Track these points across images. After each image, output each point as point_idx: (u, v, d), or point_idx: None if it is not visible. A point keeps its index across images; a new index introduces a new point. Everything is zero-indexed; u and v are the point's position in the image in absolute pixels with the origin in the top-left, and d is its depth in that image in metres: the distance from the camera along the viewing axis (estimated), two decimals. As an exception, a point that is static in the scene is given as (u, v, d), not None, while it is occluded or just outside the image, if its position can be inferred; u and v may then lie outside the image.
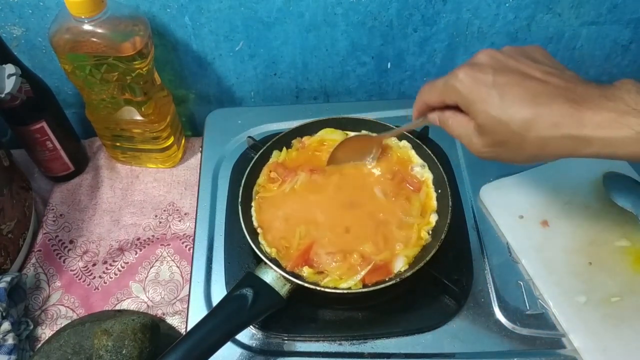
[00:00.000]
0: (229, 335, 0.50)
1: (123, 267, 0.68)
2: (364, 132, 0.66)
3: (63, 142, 0.72)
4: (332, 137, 0.66)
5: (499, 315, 0.56)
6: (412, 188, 0.61)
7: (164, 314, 0.64)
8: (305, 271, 0.54)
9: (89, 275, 0.68)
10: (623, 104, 0.39)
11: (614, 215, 0.61)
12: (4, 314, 0.58)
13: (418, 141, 0.64)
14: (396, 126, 0.65)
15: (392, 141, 0.65)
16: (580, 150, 0.41)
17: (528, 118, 0.41)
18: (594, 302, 0.55)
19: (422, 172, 0.63)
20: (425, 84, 0.50)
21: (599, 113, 0.39)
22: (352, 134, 0.67)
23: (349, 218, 0.59)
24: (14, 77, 0.59)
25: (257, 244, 0.57)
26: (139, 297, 0.66)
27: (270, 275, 0.53)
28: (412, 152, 0.64)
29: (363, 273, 0.54)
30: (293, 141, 0.66)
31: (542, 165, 0.66)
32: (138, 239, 0.71)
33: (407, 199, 0.60)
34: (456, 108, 0.47)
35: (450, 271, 0.57)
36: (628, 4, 0.70)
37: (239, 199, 0.59)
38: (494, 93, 0.42)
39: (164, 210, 0.74)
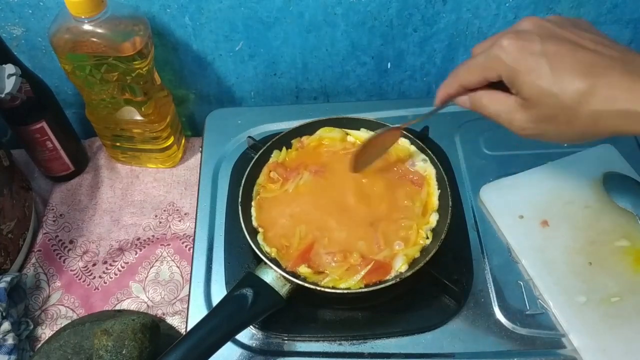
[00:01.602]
0: (229, 335, 0.50)
1: (123, 267, 0.68)
2: (362, 130, 0.66)
3: (63, 142, 0.72)
4: (330, 135, 0.66)
5: (499, 315, 0.56)
6: (414, 185, 0.61)
7: (164, 314, 0.64)
8: (305, 271, 0.54)
9: (89, 275, 0.68)
10: None
11: (614, 215, 0.61)
12: (4, 314, 0.58)
13: (418, 141, 0.64)
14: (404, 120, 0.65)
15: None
16: (635, 127, 0.37)
17: (582, 90, 0.38)
18: (594, 302, 0.55)
19: (424, 166, 0.62)
20: (457, 66, 0.46)
21: None
22: (351, 132, 0.66)
23: (349, 218, 0.59)
24: (14, 77, 0.59)
25: (257, 244, 0.57)
26: (139, 297, 0.66)
27: (270, 275, 0.53)
28: (413, 148, 0.64)
29: (363, 273, 0.54)
30: (293, 141, 0.66)
31: (542, 165, 0.66)
32: (138, 239, 0.71)
33: (409, 198, 0.60)
34: (492, 86, 0.43)
35: (450, 271, 0.57)
36: (628, 4, 0.70)
37: (239, 199, 0.59)
38: (543, 62, 0.39)
39: (164, 210, 0.74)
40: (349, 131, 0.67)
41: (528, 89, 0.40)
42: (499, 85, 0.43)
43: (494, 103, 0.44)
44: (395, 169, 0.63)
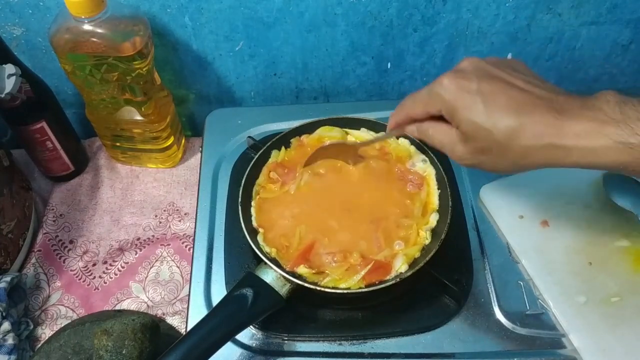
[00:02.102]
0: (229, 335, 0.50)
1: (123, 267, 0.68)
2: (363, 130, 0.66)
3: (63, 142, 0.72)
4: (330, 134, 0.66)
5: (499, 315, 0.56)
6: (413, 186, 0.61)
7: (164, 314, 0.64)
8: (305, 271, 0.54)
9: (89, 275, 0.68)
10: (602, 114, 0.40)
11: (614, 215, 0.61)
12: (4, 314, 0.58)
13: (418, 141, 0.64)
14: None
15: (391, 140, 0.65)
16: (561, 160, 0.41)
17: (512, 127, 0.41)
18: (594, 302, 0.55)
19: (424, 167, 0.62)
20: (406, 97, 0.50)
21: (579, 122, 0.40)
22: (351, 131, 0.67)
23: (349, 218, 0.59)
24: (14, 77, 0.59)
25: (257, 244, 0.57)
26: (139, 297, 0.66)
27: (270, 275, 0.53)
28: (413, 148, 0.64)
29: (363, 273, 0.54)
30: (292, 140, 0.66)
31: (542, 165, 0.66)
32: (138, 239, 0.71)
33: (409, 198, 0.60)
34: (437, 118, 0.47)
35: (450, 271, 0.57)
36: (628, 4, 0.70)
37: (239, 199, 0.59)
38: (478, 100, 0.43)
39: (164, 210, 0.74)
40: (349, 131, 0.67)
41: (465, 124, 0.44)
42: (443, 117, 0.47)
43: (438, 134, 0.48)
44: (396, 169, 0.63)
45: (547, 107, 0.41)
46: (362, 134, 0.66)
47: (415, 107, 0.49)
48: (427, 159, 0.63)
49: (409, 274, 0.53)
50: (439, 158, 0.62)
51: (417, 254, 0.56)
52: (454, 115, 0.44)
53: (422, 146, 0.63)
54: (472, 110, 0.43)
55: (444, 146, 0.47)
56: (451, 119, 0.45)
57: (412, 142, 0.64)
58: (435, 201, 0.60)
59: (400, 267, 0.54)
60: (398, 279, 0.53)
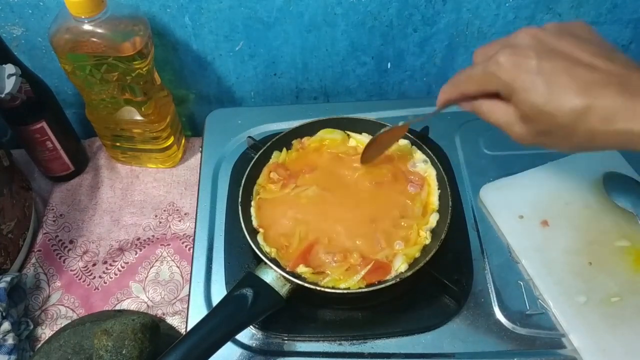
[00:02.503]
0: (229, 335, 0.50)
1: (123, 267, 0.68)
2: (364, 134, 0.66)
3: (63, 142, 0.72)
4: (331, 136, 0.66)
5: (499, 315, 0.56)
6: (414, 186, 0.61)
7: (164, 314, 0.64)
8: (305, 271, 0.54)
9: (89, 275, 0.68)
10: None
11: (614, 215, 0.61)
12: (4, 314, 0.58)
13: (418, 141, 0.64)
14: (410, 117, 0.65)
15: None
16: (634, 144, 0.37)
17: (578, 110, 0.38)
18: (594, 302, 0.55)
19: (424, 167, 0.62)
20: (459, 72, 0.46)
21: None
22: (353, 134, 0.67)
23: (349, 218, 0.59)
24: (14, 77, 0.59)
25: (257, 244, 0.57)
26: (139, 297, 0.66)
27: (270, 275, 0.53)
28: (414, 148, 0.64)
29: (363, 273, 0.54)
30: (293, 142, 0.66)
31: (542, 165, 0.66)
32: (138, 239, 0.71)
33: (409, 198, 0.60)
34: (493, 95, 0.44)
35: (450, 271, 0.57)
36: (628, 4, 0.70)
37: (239, 199, 0.59)
38: (539, 81, 0.39)
39: (164, 210, 0.74)
40: (351, 134, 0.67)
41: (525, 106, 0.40)
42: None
43: (494, 112, 0.44)
44: (396, 169, 0.63)
45: (617, 86, 0.37)
46: (364, 138, 0.66)
47: (469, 85, 0.45)
48: (427, 159, 0.63)
49: (409, 274, 0.53)
50: (439, 158, 0.62)
51: (417, 254, 0.56)
52: (513, 97, 0.41)
53: (423, 146, 0.63)
54: (533, 91, 0.39)
55: (500, 125, 0.44)
56: (509, 100, 0.42)
57: (413, 143, 0.64)
58: (435, 201, 0.60)
59: (399, 267, 0.54)
60: (398, 279, 0.53)
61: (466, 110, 0.47)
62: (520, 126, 0.42)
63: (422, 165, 0.63)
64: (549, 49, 0.40)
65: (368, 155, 0.62)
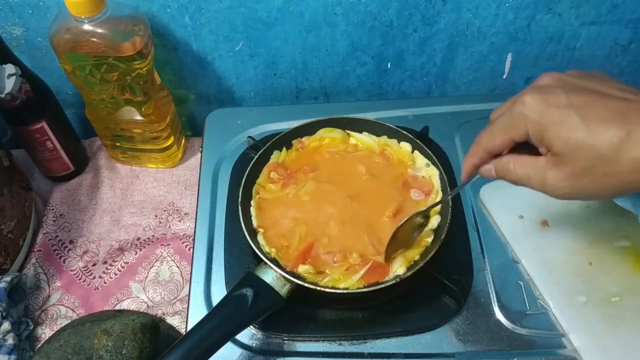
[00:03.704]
0: (229, 335, 0.50)
1: (123, 267, 0.68)
2: (365, 134, 0.66)
3: (63, 142, 0.72)
4: (331, 135, 0.66)
5: (499, 315, 0.56)
6: (418, 193, 0.61)
7: (164, 314, 0.64)
8: (305, 271, 0.54)
9: (89, 275, 0.68)
10: None
11: (614, 216, 0.61)
12: (4, 314, 0.58)
13: (418, 141, 0.64)
14: (397, 126, 0.65)
15: (393, 142, 0.65)
16: None
17: (619, 137, 0.36)
18: (594, 302, 0.55)
19: (427, 170, 0.62)
20: (481, 131, 0.44)
21: None
22: (353, 134, 0.67)
23: (350, 219, 0.59)
24: (14, 77, 0.59)
25: (257, 243, 0.57)
26: (139, 297, 0.66)
27: (270, 275, 0.53)
28: (416, 153, 0.64)
29: (362, 272, 0.54)
30: (293, 141, 0.66)
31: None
32: (138, 239, 0.71)
33: (414, 203, 0.60)
34: (518, 151, 0.42)
35: (450, 271, 0.57)
36: (628, 4, 0.70)
37: (239, 199, 0.59)
38: (572, 113, 0.37)
39: (164, 210, 0.74)
40: (351, 133, 0.67)
41: (559, 143, 0.38)
42: (524, 148, 0.42)
43: (522, 167, 0.42)
44: (399, 174, 0.62)
45: None
46: (364, 137, 0.66)
47: (495, 138, 0.42)
48: (429, 162, 0.62)
49: (408, 274, 0.53)
50: (439, 158, 0.62)
51: (417, 257, 0.56)
52: (545, 135, 0.38)
53: (423, 147, 0.63)
54: (566, 125, 0.37)
55: (530, 178, 0.41)
56: (540, 142, 0.39)
57: (415, 146, 0.64)
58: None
59: (398, 269, 0.54)
60: (398, 279, 0.53)
61: (491, 177, 0.45)
62: (555, 172, 0.39)
63: (424, 168, 0.63)
64: (576, 86, 0.39)
65: (390, 250, 0.55)
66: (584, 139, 0.37)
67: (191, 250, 0.63)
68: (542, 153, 0.40)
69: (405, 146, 0.65)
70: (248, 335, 0.56)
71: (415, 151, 0.64)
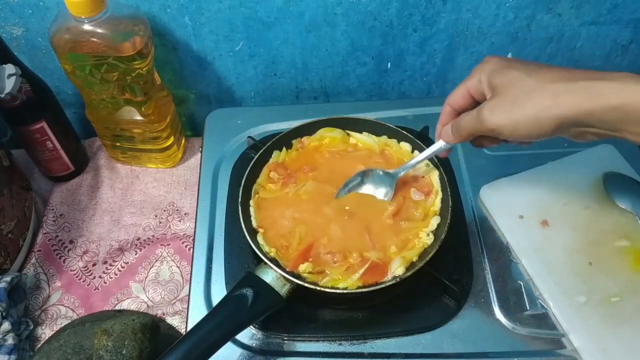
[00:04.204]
0: (229, 335, 0.50)
1: (123, 267, 0.68)
2: (365, 133, 0.66)
3: (63, 142, 0.72)
4: (331, 135, 0.66)
5: (499, 315, 0.56)
6: (418, 194, 0.61)
7: (164, 314, 0.64)
8: (305, 271, 0.54)
9: (89, 275, 0.68)
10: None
11: (614, 216, 0.61)
12: (4, 314, 0.58)
13: (418, 141, 0.64)
14: (397, 126, 0.65)
15: (393, 142, 0.65)
16: (593, 102, 0.40)
17: (546, 72, 0.43)
18: (594, 302, 0.55)
19: (427, 170, 0.62)
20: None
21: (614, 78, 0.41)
22: (353, 134, 0.67)
23: (349, 219, 0.59)
24: (14, 77, 0.59)
25: (257, 243, 0.57)
26: (139, 297, 0.66)
27: (270, 275, 0.53)
28: (416, 153, 0.64)
29: (361, 272, 0.54)
30: (293, 141, 0.66)
31: (542, 165, 0.66)
32: (138, 239, 0.71)
33: (413, 203, 0.60)
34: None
35: (450, 271, 0.57)
36: (628, 4, 0.70)
37: (239, 199, 0.59)
38: (518, 64, 0.45)
39: (164, 210, 0.74)
40: (351, 133, 0.67)
41: (500, 77, 0.45)
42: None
43: (468, 115, 0.48)
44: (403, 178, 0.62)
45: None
46: (364, 137, 0.66)
47: (455, 91, 0.50)
48: (429, 162, 0.62)
49: (408, 274, 0.53)
50: (440, 159, 0.62)
51: (415, 258, 0.56)
52: (491, 78, 0.46)
53: (424, 147, 0.63)
54: (511, 66, 0.45)
55: (472, 118, 0.47)
56: (487, 85, 0.46)
57: (415, 147, 0.64)
58: (437, 204, 0.60)
59: (397, 269, 0.54)
60: (398, 279, 0.53)
61: (450, 140, 0.52)
62: (489, 103, 0.45)
63: (424, 168, 0.63)
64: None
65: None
66: (521, 73, 0.44)
67: (191, 250, 0.63)
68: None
69: (405, 146, 0.65)
70: (248, 335, 0.56)
71: (415, 151, 0.64)
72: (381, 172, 0.60)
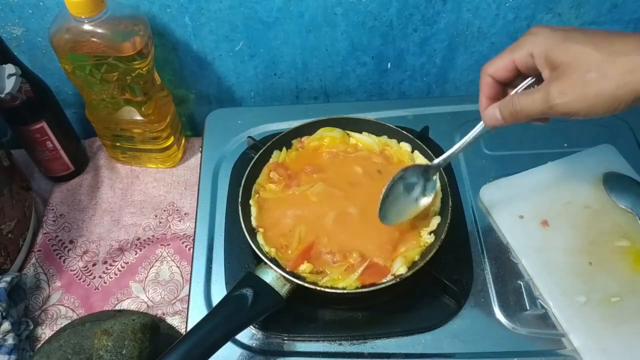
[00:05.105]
0: (229, 335, 0.50)
1: (123, 267, 0.68)
2: (364, 133, 0.66)
3: (63, 142, 0.72)
4: (331, 134, 0.66)
5: (499, 315, 0.56)
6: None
7: (164, 314, 0.64)
8: (305, 271, 0.54)
9: (89, 275, 0.68)
10: None
11: (614, 215, 0.61)
12: (4, 314, 0.58)
13: (418, 141, 0.64)
14: (397, 126, 0.65)
15: (393, 142, 0.65)
16: None
17: (615, 42, 0.39)
18: (594, 302, 0.55)
19: None
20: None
21: None
22: (353, 134, 0.67)
23: (349, 219, 0.59)
24: (14, 77, 0.59)
25: (257, 243, 0.57)
26: (139, 297, 0.66)
27: (270, 275, 0.53)
28: (416, 153, 0.64)
29: (360, 271, 0.54)
30: (293, 141, 0.66)
31: (542, 165, 0.66)
32: (138, 239, 0.71)
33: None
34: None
35: (450, 271, 0.57)
36: (628, 4, 0.70)
37: (239, 199, 0.59)
38: (576, 32, 0.42)
39: (164, 210, 0.74)
40: (351, 133, 0.67)
41: (563, 52, 0.40)
42: None
43: (525, 95, 0.43)
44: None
45: None
46: (364, 137, 0.66)
47: (498, 59, 0.45)
48: (429, 162, 0.62)
49: (408, 274, 0.53)
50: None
51: (417, 257, 0.56)
52: (549, 53, 0.41)
53: (424, 147, 0.63)
54: (571, 38, 0.41)
55: (534, 101, 0.42)
56: (543, 60, 0.42)
57: (415, 147, 0.64)
58: (437, 203, 0.60)
59: (398, 269, 0.54)
60: (398, 279, 0.53)
61: (497, 122, 0.46)
62: (556, 84, 0.41)
63: None
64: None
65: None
66: (585, 45, 0.40)
67: (191, 250, 0.63)
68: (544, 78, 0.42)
69: (405, 146, 0.65)
70: (248, 335, 0.56)
71: (415, 151, 0.64)
72: (420, 174, 0.55)
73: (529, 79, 0.46)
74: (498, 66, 0.45)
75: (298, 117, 0.72)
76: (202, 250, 0.63)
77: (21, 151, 0.75)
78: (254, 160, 0.63)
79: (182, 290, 0.66)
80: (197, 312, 0.57)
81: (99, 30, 0.59)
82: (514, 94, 0.45)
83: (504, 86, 0.48)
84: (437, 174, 0.57)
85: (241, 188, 0.60)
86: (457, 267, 0.59)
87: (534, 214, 0.62)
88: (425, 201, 0.57)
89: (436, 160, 0.56)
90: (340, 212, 0.59)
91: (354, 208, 0.60)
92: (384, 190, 0.54)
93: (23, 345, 0.60)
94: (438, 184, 0.58)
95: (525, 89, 0.45)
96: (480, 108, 0.48)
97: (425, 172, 0.56)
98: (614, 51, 0.39)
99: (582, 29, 0.42)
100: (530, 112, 0.43)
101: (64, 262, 0.69)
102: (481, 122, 0.49)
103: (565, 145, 0.68)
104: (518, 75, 0.46)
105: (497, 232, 0.62)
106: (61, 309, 0.65)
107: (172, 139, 0.75)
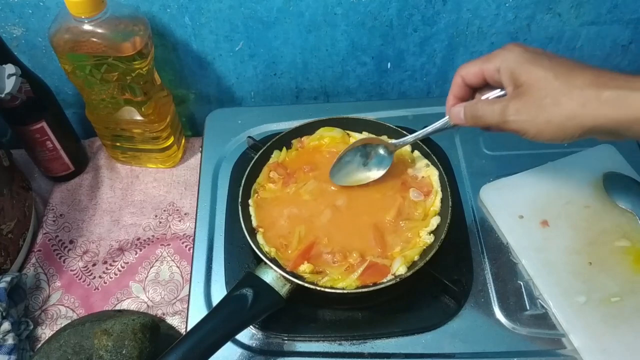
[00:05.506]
0: (229, 336, 0.50)
1: (123, 267, 0.68)
2: (364, 133, 0.66)
3: (63, 142, 0.72)
4: (331, 134, 0.66)
5: (499, 315, 0.56)
6: (417, 194, 0.61)
7: (164, 314, 0.64)
8: (305, 271, 0.54)
9: (89, 275, 0.68)
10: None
11: (614, 215, 0.61)
12: (4, 314, 0.58)
13: (418, 141, 0.63)
14: (397, 126, 0.65)
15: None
16: (623, 113, 0.39)
17: (576, 74, 0.41)
18: (594, 302, 0.55)
19: (427, 171, 0.62)
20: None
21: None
22: (352, 133, 0.67)
23: (349, 219, 0.59)
24: (14, 77, 0.59)
25: (257, 243, 0.57)
26: (139, 297, 0.66)
27: (270, 275, 0.53)
28: (416, 153, 0.64)
29: (359, 271, 0.54)
30: (293, 141, 0.66)
31: (542, 165, 0.66)
32: (138, 239, 0.71)
33: (412, 204, 0.60)
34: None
35: (450, 271, 0.57)
36: (628, 4, 0.70)
37: (239, 199, 0.59)
38: (544, 57, 0.44)
39: (164, 210, 0.74)
40: (351, 133, 0.67)
41: (526, 73, 0.43)
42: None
43: (488, 104, 0.46)
44: (398, 173, 0.62)
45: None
46: (364, 137, 0.66)
47: (469, 65, 0.48)
48: (429, 162, 0.62)
49: (408, 274, 0.53)
50: (439, 158, 0.62)
51: (416, 257, 0.56)
52: (515, 70, 0.44)
53: (424, 147, 0.63)
54: (537, 61, 0.43)
55: (494, 111, 0.45)
56: (508, 77, 0.44)
57: (415, 147, 0.64)
58: (437, 204, 0.60)
59: (398, 268, 0.54)
60: (398, 279, 0.53)
61: (460, 121, 0.50)
62: (515, 102, 0.44)
63: (424, 168, 0.62)
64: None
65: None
66: (547, 71, 0.42)
67: (191, 250, 0.63)
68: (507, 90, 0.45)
69: (405, 146, 0.65)
70: (248, 335, 0.56)
71: (415, 151, 0.64)
72: (381, 151, 0.61)
73: (498, 90, 0.48)
74: (469, 71, 0.48)
75: (298, 117, 0.72)
76: (202, 250, 0.63)
77: (21, 151, 0.75)
78: (254, 160, 0.63)
79: (182, 290, 0.66)
80: (197, 312, 0.57)
81: (99, 30, 0.59)
82: (481, 99, 0.48)
83: (474, 90, 0.50)
84: (393, 154, 0.61)
85: (241, 188, 0.60)
86: (457, 267, 0.59)
87: (533, 214, 0.62)
88: (375, 174, 0.61)
89: (394, 141, 0.61)
90: (338, 212, 0.59)
91: (350, 207, 0.60)
92: (342, 152, 0.61)
93: (23, 345, 0.60)
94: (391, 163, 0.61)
95: (494, 98, 0.48)
96: (447, 104, 0.52)
97: (385, 148, 0.61)
98: (571, 82, 0.41)
99: (552, 55, 0.44)
100: (487, 121, 0.46)
101: (64, 262, 0.69)
102: (446, 117, 0.52)
103: (565, 145, 0.68)
104: (486, 84, 0.49)
105: (497, 232, 0.62)
106: (61, 309, 0.65)
107: (172, 139, 0.75)
